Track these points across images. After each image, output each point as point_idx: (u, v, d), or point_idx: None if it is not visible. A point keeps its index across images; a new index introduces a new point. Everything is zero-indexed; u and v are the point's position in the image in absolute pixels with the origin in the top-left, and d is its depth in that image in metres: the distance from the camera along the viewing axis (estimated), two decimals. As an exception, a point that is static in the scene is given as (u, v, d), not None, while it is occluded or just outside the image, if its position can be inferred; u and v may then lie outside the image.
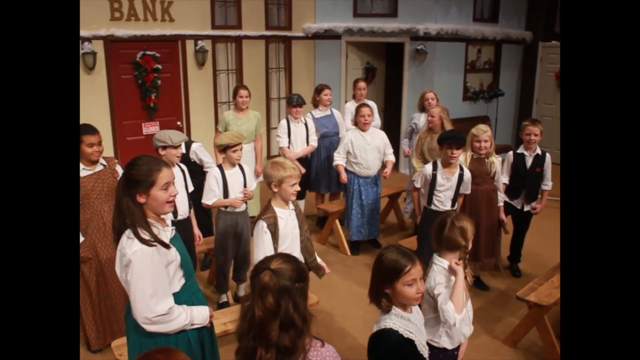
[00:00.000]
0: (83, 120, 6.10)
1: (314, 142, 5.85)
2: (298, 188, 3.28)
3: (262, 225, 3.22)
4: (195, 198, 4.27)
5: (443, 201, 4.31)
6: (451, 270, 2.71)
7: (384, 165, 5.52)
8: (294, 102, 5.70)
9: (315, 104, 6.13)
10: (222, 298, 4.53)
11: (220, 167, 4.21)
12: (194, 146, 4.79)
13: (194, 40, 7.43)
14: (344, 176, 5.41)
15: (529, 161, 4.82)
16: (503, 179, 4.77)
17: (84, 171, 3.57)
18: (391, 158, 5.52)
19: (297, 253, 3.36)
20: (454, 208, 4.33)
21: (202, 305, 2.48)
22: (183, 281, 2.40)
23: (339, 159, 5.42)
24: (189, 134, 7.56)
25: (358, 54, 9.10)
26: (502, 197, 4.70)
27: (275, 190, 3.27)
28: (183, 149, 4.23)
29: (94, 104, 6.72)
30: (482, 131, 4.47)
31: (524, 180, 4.84)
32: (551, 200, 6.27)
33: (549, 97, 9.65)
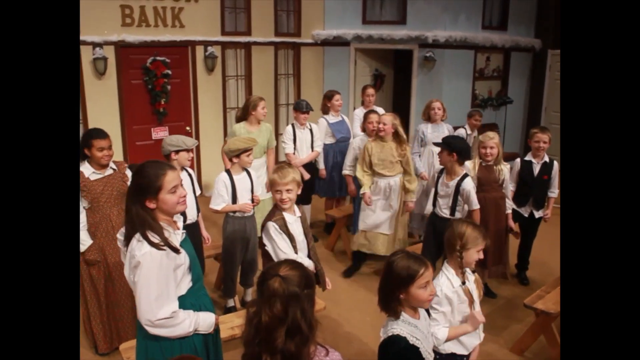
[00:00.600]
0: (93, 124, 6.21)
1: (318, 147, 5.86)
2: (285, 196, 3.21)
3: (273, 226, 3.21)
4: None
5: (442, 207, 4.30)
6: (472, 320, 2.73)
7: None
8: (304, 109, 5.69)
9: (325, 111, 6.16)
10: (229, 303, 4.54)
11: (228, 172, 4.22)
12: None
13: (204, 46, 7.48)
14: (352, 187, 5.41)
15: (536, 169, 4.81)
16: (510, 186, 4.75)
17: (94, 175, 3.60)
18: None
19: (306, 259, 3.35)
20: (456, 217, 4.20)
21: (209, 312, 2.49)
22: (190, 284, 2.41)
23: (348, 169, 5.42)
24: (197, 139, 7.58)
25: (367, 61, 9.11)
26: (510, 205, 4.68)
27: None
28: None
29: (105, 108, 6.78)
30: (489, 137, 4.46)
31: (532, 188, 4.83)
32: (559, 208, 6.23)
33: (557, 105, 9.59)
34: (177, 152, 3.97)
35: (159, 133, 7.32)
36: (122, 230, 2.37)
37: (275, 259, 3.22)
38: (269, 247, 3.27)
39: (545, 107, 9.82)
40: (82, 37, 6.23)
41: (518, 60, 9.51)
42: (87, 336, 3.88)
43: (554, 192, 4.89)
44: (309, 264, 3.28)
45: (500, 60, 9.31)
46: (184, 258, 2.34)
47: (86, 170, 3.58)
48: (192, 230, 3.95)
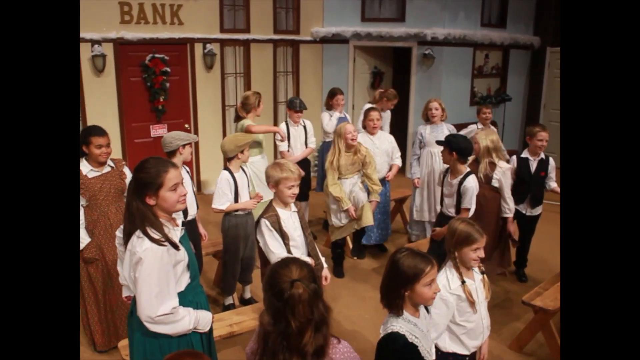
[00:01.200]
0: (92, 121, 6.20)
1: (312, 144, 5.91)
2: (296, 191, 3.28)
3: (265, 223, 3.23)
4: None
5: (447, 206, 4.29)
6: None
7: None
8: (297, 107, 5.70)
9: (329, 107, 6.34)
10: (228, 300, 4.54)
11: (229, 170, 4.21)
12: None
13: (203, 44, 7.48)
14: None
15: (533, 165, 4.82)
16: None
17: (92, 172, 3.60)
18: (398, 162, 5.55)
19: (305, 255, 3.37)
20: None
21: (206, 311, 2.51)
22: (189, 281, 2.42)
23: None
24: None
25: (366, 58, 9.12)
26: (511, 208, 4.57)
27: (273, 190, 3.30)
28: None
29: (103, 106, 6.78)
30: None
31: (530, 185, 4.84)
32: (557, 205, 6.24)
33: (556, 103, 9.61)
34: (184, 146, 4.00)
35: (158, 130, 7.32)
36: (122, 227, 2.37)
37: (266, 255, 3.27)
38: (261, 243, 3.31)
39: (544, 105, 9.84)
40: (80, 34, 6.22)
41: (517, 57, 9.52)
42: (85, 333, 3.88)
43: (554, 183, 4.88)
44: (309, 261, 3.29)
45: (499, 57, 9.32)
46: (183, 254, 2.34)
47: (84, 167, 3.57)
48: (191, 227, 3.96)
